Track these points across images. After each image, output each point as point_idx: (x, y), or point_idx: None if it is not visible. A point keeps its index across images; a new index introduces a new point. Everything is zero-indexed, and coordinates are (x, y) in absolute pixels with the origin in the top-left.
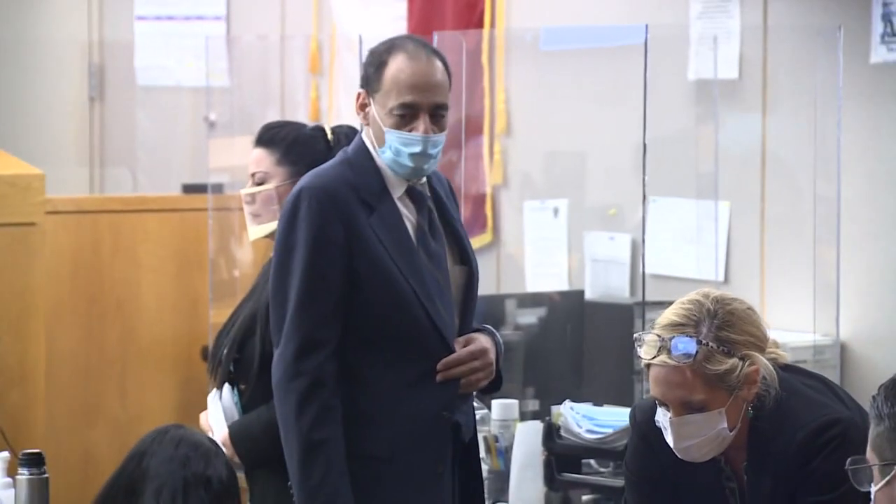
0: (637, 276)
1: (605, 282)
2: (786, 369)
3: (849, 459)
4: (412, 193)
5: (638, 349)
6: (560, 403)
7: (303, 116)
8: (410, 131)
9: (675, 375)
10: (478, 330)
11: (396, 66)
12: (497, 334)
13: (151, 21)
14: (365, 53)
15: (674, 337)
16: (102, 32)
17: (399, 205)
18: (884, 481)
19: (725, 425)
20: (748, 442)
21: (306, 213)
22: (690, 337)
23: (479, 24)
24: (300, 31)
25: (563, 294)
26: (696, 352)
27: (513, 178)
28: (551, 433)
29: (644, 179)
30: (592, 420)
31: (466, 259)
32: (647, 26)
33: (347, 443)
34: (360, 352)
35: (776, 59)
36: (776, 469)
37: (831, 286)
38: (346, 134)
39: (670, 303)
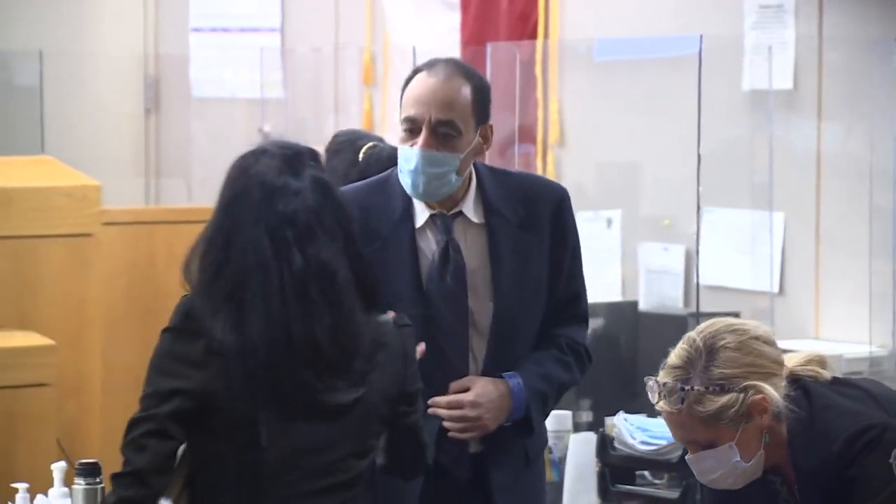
0: (691, 286)
1: (659, 292)
2: (834, 383)
3: (893, 452)
4: (436, 222)
5: (648, 393)
6: (614, 415)
7: (356, 127)
8: (412, 147)
9: (674, 419)
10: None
11: (414, 81)
12: (521, 383)
13: (207, 33)
14: (418, 64)
15: (666, 383)
16: (158, 45)
17: (419, 236)
18: None
19: (738, 458)
20: (793, 463)
21: None
22: (678, 381)
23: (533, 35)
24: (354, 42)
25: (616, 305)
26: (683, 399)
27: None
28: (605, 444)
29: (698, 190)
30: (646, 431)
31: (496, 295)
32: (701, 37)
33: None
34: None
35: (831, 69)
36: (823, 484)
37: (887, 297)
38: (380, 160)
39: (725, 313)
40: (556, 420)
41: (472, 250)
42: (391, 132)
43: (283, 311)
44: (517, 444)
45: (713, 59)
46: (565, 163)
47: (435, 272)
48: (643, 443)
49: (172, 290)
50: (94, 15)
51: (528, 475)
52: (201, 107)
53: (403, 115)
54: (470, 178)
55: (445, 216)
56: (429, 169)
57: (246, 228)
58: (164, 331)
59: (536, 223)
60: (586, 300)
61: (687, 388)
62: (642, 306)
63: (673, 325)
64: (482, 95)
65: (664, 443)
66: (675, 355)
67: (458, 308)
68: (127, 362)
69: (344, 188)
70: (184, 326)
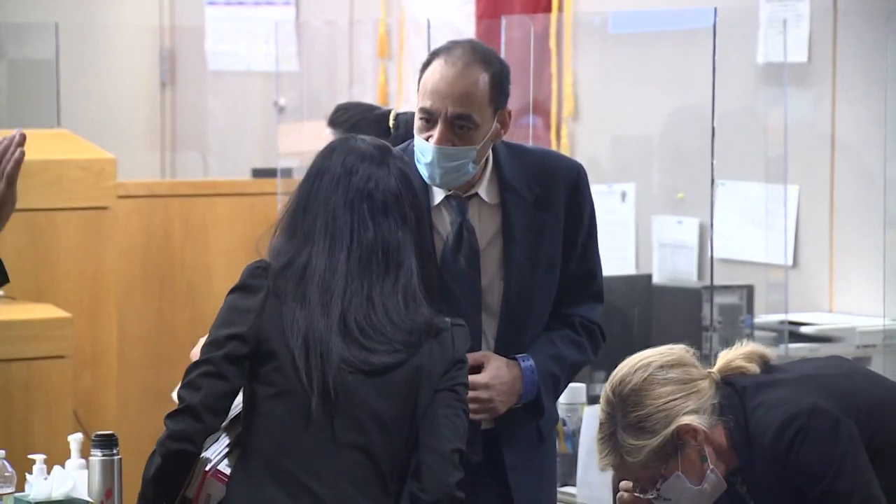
0: (705, 260)
1: (673, 266)
2: (767, 372)
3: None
4: (451, 203)
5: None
6: None
7: (371, 101)
8: (428, 139)
9: (619, 472)
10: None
11: (432, 68)
12: (533, 365)
13: (222, 6)
14: (433, 37)
15: (600, 441)
16: (174, 17)
17: (435, 215)
18: None
19: (690, 485)
20: (740, 466)
21: None
22: (605, 437)
23: (548, 9)
24: (369, 15)
25: (630, 278)
26: (616, 453)
27: (580, 162)
28: None
29: (712, 163)
30: None
31: (504, 275)
32: (715, 9)
33: None
34: None
35: (846, 41)
36: (771, 480)
37: None
38: (408, 121)
39: (738, 287)
40: (570, 393)
41: (486, 230)
42: (407, 105)
43: (348, 279)
44: (530, 423)
45: (728, 31)
46: (579, 136)
47: (448, 254)
48: None
49: (187, 262)
50: None
51: (540, 453)
52: (216, 80)
53: (420, 105)
54: (487, 160)
55: (461, 198)
56: (445, 163)
57: (323, 197)
58: (230, 291)
59: (552, 200)
60: (601, 279)
61: (612, 443)
62: (656, 279)
63: (687, 299)
64: (501, 82)
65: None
66: (599, 413)
67: (470, 290)
68: (142, 334)
69: None
70: (245, 285)
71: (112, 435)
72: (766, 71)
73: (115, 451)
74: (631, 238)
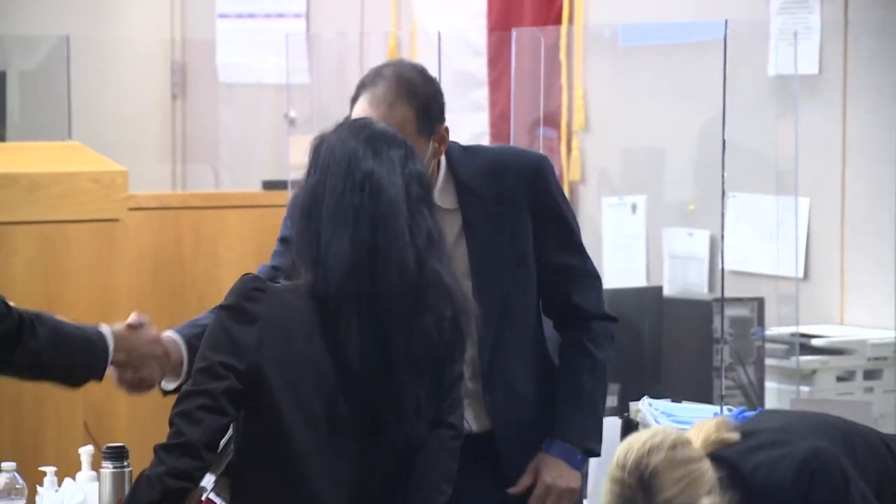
0: (716, 272)
1: (684, 278)
2: (744, 438)
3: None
4: None
5: None
6: (638, 399)
7: None
8: None
9: None
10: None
11: (357, 107)
12: (564, 446)
13: (233, 19)
14: (444, 50)
15: None
16: (185, 30)
17: None
18: None
19: None
20: None
21: None
22: None
23: (558, 21)
24: (379, 27)
25: (641, 290)
26: None
27: (591, 175)
28: (630, 430)
29: (723, 175)
30: (671, 416)
31: (472, 271)
32: (726, 22)
33: None
34: None
35: (857, 54)
36: None
37: None
38: None
39: (749, 299)
40: None
41: (448, 235)
42: None
43: (419, 259)
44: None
45: (738, 44)
46: (590, 148)
47: None
48: None
49: (198, 275)
50: (122, 1)
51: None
52: (228, 92)
53: None
54: (438, 168)
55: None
56: None
57: (385, 179)
58: (221, 307)
59: (512, 195)
60: (589, 258)
61: None
62: (667, 292)
63: (697, 311)
64: (428, 109)
65: (689, 427)
66: (611, 496)
67: None
68: None
69: None
70: (240, 308)
71: (123, 447)
72: (776, 83)
73: (125, 464)
74: (642, 250)
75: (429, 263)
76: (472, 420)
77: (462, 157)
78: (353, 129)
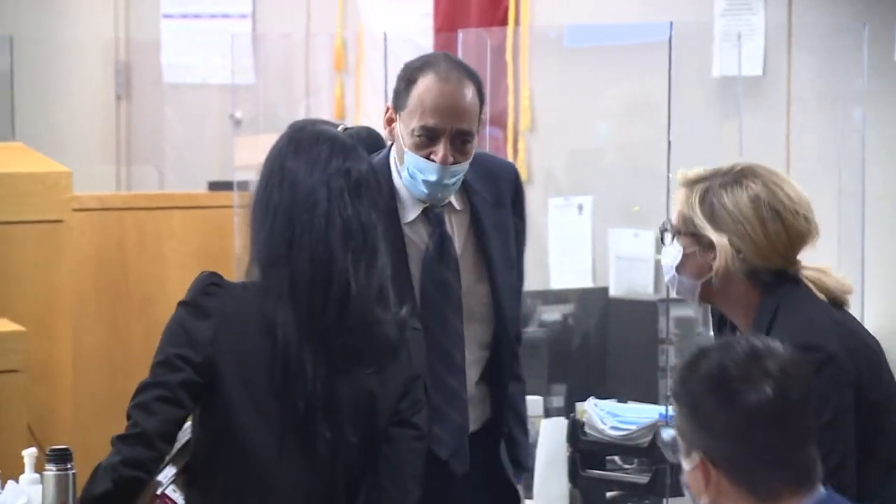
0: (661, 272)
1: (630, 278)
2: (834, 305)
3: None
4: (428, 215)
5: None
6: (584, 400)
7: (327, 114)
8: (429, 156)
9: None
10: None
11: (424, 85)
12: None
13: (178, 19)
14: (390, 51)
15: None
16: (129, 30)
17: (408, 230)
18: (689, 466)
19: (679, 263)
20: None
21: None
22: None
23: (504, 22)
24: (325, 28)
25: (587, 291)
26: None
27: (537, 175)
28: (576, 430)
29: (668, 176)
30: (617, 417)
31: (489, 277)
32: (671, 23)
33: None
34: None
35: (800, 56)
36: None
37: (856, 283)
38: (358, 135)
39: None
40: (528, 405)
41: (458, 235)
42: (365, 119)
43: (329, 251)
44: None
45: (683, 45)
46: (536, 149)
47: (433, 265)
48: (613, 428)
49: (143, 275)
50: (66, 1)
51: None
52: (172, 93)
53: (420, 123)
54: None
55: (438, 209)
56: (448, 180)
57: (301, 173)
58: (180, 303)
59: (503, 200)
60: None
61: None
62: (613, 292)
63: (643, 311)
64: (482, 92)
65: (634, 427)
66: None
67: (452, 298)
68: (97, 347)
69: None
70: (196, 303)
71: (66, 449)
72: (721, 84)
73: (69, 466)
74: (588, 251)
75: (341, 256)
76: (470, 422)
77: None
78: (290, 129)
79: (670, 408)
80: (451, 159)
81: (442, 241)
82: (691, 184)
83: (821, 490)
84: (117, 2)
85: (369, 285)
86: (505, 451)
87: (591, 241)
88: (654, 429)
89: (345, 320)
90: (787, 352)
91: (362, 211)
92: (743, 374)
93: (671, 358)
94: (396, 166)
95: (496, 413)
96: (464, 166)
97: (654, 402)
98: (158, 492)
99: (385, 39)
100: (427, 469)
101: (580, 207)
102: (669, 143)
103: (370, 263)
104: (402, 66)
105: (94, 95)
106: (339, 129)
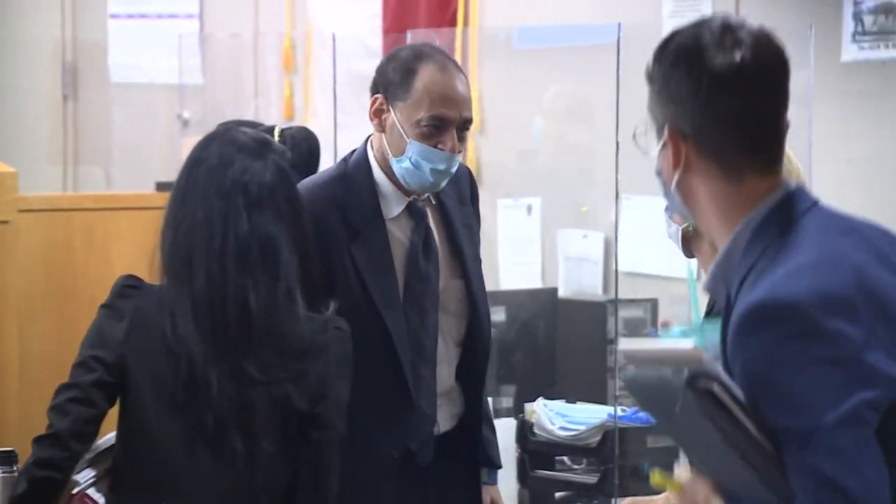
0: (610, 273)
1: (579, 279)
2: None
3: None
4: (412, 210)
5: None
6: (533, 401)
7: (276, 114)
8: (436, 145)
9: None
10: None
11: (429, 75)
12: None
13: (125, 19)
14: (339, 51)
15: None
16: (76, 30)
17: (391, 226)
18: (658, 145)
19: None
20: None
21: None
22: None
23: (453, 23)
24: (274, 28)
25: (536, 291)
26: None
27: (486, 176)
28: (525, 430)
29: (617, 177)
30: (565, 417)
31: (463, 273)
32: (619, 25)
33: None
34: None
35: None
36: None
37: None
38: (294, 136)
39: (642, 300)
40: None
41: (435, 231)
42: (314, 119)
43: (223, 272)
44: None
45: (631, 47)
46: (485, 150)
47: (418, 259)
48: (562, 428)
49: (90, 277)
50: (12, 0)
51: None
52: (120, 93)
53: (429, 113)
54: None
55: (420, 204)
56: (452, 169)
57: (200, 190)
58: (101, 305)
59: (465, 197)
60: None
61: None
62: (562, 293)
63: (592, 312)
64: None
65: (583, 428)
66: None
67: (432, 291)
68: (44, 350)
69: (309, 182)
70: (112, 304)
71: (12, 451)
72: None
73: (14, 469)
74: (537, 251)
75: (237, 274)
76: (445, 419)
77: None
78: (207, 135)
79: (619, 408)
80: (459, 148)
81: (428, 235)
82: None
83: (789, 184)
84: (64, 2)
85: (273, 296)
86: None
87: (541, 241)
88: (602, 429)
89: (250, 335)
90: (761, 28)
91: (262, 223)
92: (714, 42)
93: (620, 358)
94: (379, 159)
95: (470, 411)
96: (461, 156)
97: (603, 402)
98: (74, 491)
99: (334, 40)
100: (392, 460)
101: (529, 208)
102: (618, 144)
103: (273, 275)
104: (350, 66)
105: (41, 95)
106: (276, 130)
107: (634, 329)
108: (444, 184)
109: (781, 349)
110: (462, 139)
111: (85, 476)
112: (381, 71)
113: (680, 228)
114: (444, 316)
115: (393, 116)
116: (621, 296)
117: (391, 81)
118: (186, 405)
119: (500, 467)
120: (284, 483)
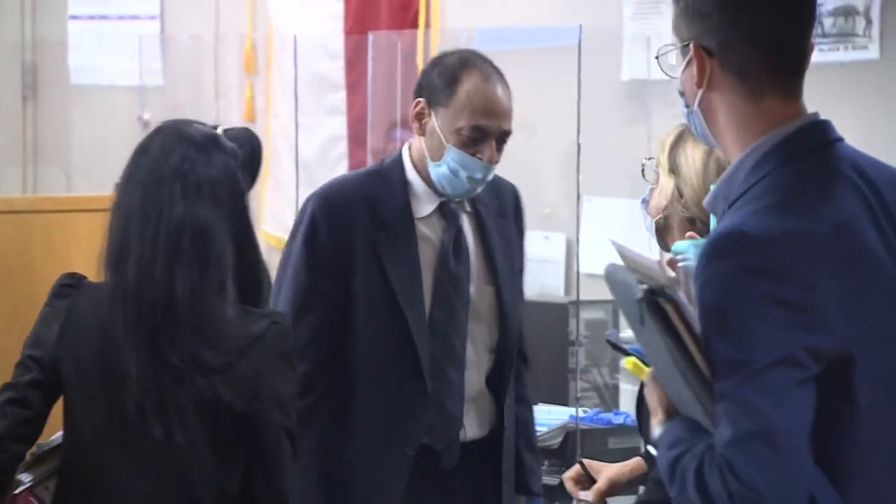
0: (572, 275)
1: (541, 281)
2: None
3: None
4: (444, 211)
5: None
6: None
7: (237, 115)
8: (474, 154)
9: None
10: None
11: (473, 85)
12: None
13: (85, 20)
14: (300, 52)
15: None
16: (36, 31)
17: (421, 224)
18: (684, 62)
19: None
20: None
21: (307, 222)
22: None
23: (414, 25)
24: (234, 30)
25: None
26: None
27: None
28: None
29: (578, 179)
30: None
31: (495, 280)
32: (580, 27)
33: (315, 459)
34: (349, 369)
35: None
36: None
37: None
38: (238, 136)
39: (604, 302)
40: None
41: (468, 236)
42: (275, 120)
43: (153, 256)
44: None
45: (593, 49)
46: None
47: (448, 259)
48: None
49: (49, 280)
50: None
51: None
52: (80, 94)
53: (471, 123)
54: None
55: (454, 205)
56: (488, 177)
57: (140, 178)
58: (44, 304)
59: (506, 212)
60: None
61: None
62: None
63: (553, 314)
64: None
65: (545, 429)
66: None
67: (463, 294)
68: (2, 352)
69: (342, 177)
70: (50, 303)
71: None
72: (630, 87)
73: None
74: None
75: (166, 261)
76: (474, 426)
77: None
78: (153, 130)
79: (580, 409)
80: (496, 158)
81: (458, 236)
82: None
83: (813, 116)
84: (24, 2)
85: (202, 285)
86: (512, 466)
87: None
88: (564, 430)
89: (175, 322)
90: None
91: (198, 209)
92: None
93: (581, 360)
94: (412, 161)
95: (501, 419)
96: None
97: (565, 403)
98: (17, 490)
99: (295, 41)
100: (418, 461)
101: None
102: (579, 145)
103: (204, 263)
104: (312, 67)
105: (0, 97)
106: (219, 130)
107: (596, 330)
108: (478, 190)
109: (734, 280)
110: (500, 150)
111: (28, 476)
112: (425, 75)
113: (654, 221)
114: (476, 322)
115: (434, 121)
116: (583, 297)
117: (435, 86)
118: (109, 392)
119: (539, 495)
120: (225, 483)
